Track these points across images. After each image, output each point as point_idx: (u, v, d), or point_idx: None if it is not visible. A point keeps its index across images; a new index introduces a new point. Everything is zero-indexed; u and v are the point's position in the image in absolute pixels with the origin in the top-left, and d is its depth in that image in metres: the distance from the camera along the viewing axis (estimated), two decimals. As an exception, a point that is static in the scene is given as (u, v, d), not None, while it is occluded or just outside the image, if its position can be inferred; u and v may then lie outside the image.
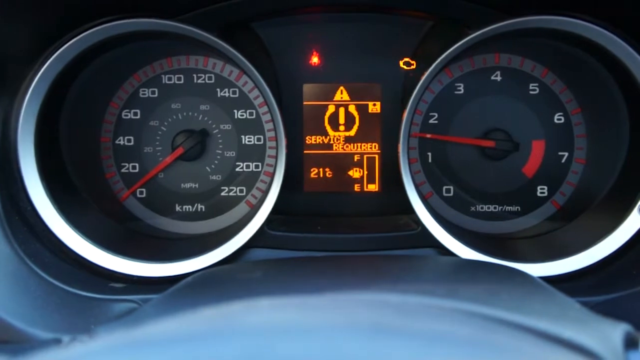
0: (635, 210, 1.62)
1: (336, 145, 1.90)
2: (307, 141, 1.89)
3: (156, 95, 1.90)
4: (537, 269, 1.60)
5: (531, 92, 1.88)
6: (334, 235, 1.71)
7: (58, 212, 1.61)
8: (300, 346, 0.65)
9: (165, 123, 1.90)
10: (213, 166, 1.92)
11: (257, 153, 1.91)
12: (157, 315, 1.06)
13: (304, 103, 1.88)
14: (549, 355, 0.72)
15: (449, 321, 0.76)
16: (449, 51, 1.63)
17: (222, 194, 1.93)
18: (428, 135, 1.88)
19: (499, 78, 1.88)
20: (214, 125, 1.90)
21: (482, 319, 0.82)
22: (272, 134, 1.89)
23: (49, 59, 1.57)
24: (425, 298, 0.89)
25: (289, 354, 0.62)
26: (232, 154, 1.91)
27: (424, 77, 1.67)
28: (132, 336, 0.80)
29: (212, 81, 1.90)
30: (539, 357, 0.69)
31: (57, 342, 1.09)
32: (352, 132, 1.89)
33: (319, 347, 0.64)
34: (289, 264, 1.40)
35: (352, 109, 1.88)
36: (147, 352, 0.71)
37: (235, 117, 1.90)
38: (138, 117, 1.90)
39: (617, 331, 0.90)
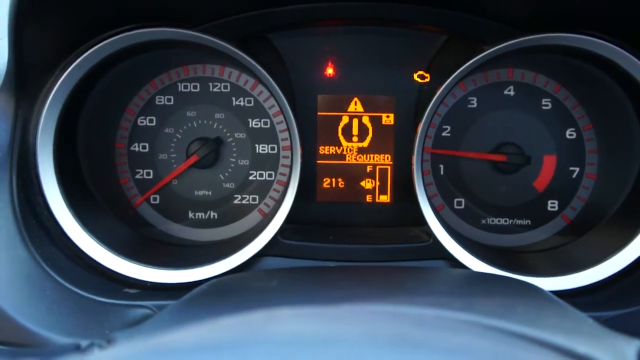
0: (647, 226, 1.63)
1: (349, 156, 1.91)
2: (320, 151, 1.91)
3: (172, 102, 1.91)
4: (548, 283, 1.61)
5: (544, 107, 1.89)
6: (347, 246, 1.72)
7: (74, 216, 1.62)
8: (323, 356, 0.66)
9: (180, 130, 1.92)
10: (227, 174, 1.93)
11: (270, 162, 1.93)
12: (176, 322, 1.07)
13: (318, 113, 1.89)
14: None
15: (468, 334, 0.78)
16: (464, 66, 1.65)
17: (235, 202, 1.95)
18: (441, 152, 1.89)
19: (512, 93, 1.89)
20: (228, 134, 1.92)
21: (500, 332, 0.83)
22: (286, 143, 1.91)
23: (69, 66, 1.59)
24: (442, 311, 0.90)
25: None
26: (246, 162, 1.93)
27: (439, 91, 1.68)
28: (153, 343, 0.81)
29: (228, 90, 1.92)
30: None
31: (76, 347, 1.11)
32: (365, 144, 1.90)
33: (341, 358, 0.65)
34: (303, 273, 1.41)
35: (365, 120, 1.90)
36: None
37: (250, 126, 1.92)
38: (153, 124, 1.92)
39: (631, 347, 0.91)
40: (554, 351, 0.80)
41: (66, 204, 1.62)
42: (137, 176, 1.93)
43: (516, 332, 0.86)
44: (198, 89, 1.91)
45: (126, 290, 1.62)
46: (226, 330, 0.81)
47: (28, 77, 1.54)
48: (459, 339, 0.74)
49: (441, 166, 1.92)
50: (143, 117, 1.92)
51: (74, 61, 1.59)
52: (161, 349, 0.79)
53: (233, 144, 1.92)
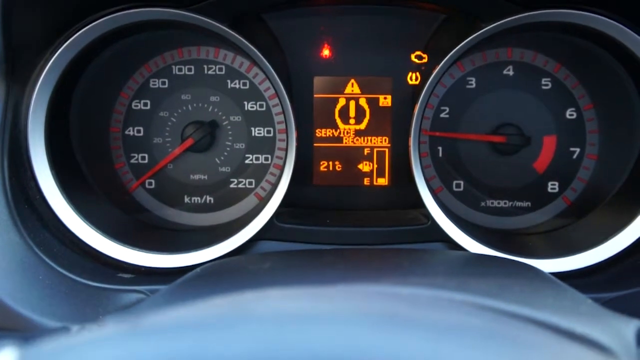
0: (648, 207, 1.61)
1: (346, 139, 1.89)
2: (317, 134, 1.88)
3: (166, 86, 1.89)
4: (548, 265, 1.59)
5: (543, 87, 1.86)
6: (343, 229, 1.71)
7: (67, 201, 1.61)
8: (313, 335, 0.65)
9: (175, 114, 1.89)
10: (222, 158, 1.91)
11: (266, 145, 1.91)
12: (167, 305, 1.06)
13: (315, 96, 1.87)
14: (563, 350, 0.72)
15: (462, 314, 0.76)
16: (461, 45, 1.62)
17: (231, 185, 1.93)
18: (439, 134, 1.87)
19: (511, 72, 1.87)
20: (223, 117, 1.90)
21: (495, 312, 0.81)
22: (282, 126, 1.89)
23: (60, 47, 1.57)
24: (436, 291, 0.88)
25: (301, 343, 0.62)
26: (242, 145, 1.91)
27: (435, 71, 1.66)
28: (141, 324, 0.79)
29: (223, 72, 1.89)
30: (553, 351, 0.69)
31: (65, 330, 1.09)
32: (363, 126, 1.88)
33: (332, 336, 0.63)
34: (298, 256, 1.39)
35: (362, 102, 1.87)
36: (156, 340, 0.70)
37: (246, 108, 1.90)
38: (148, 107, 1.89)
39: (629, 327, 0.89)
40: (551, 331, 0.79)
41: (59, 189, 1.60)
42: (132, 160, 1.91)
43: (513, 312, 0.84)
44: (193, 72, 1.89)
45: (120, 275, 1.61)
46: (215, 310, 0.79)
47: (18, 60, 1.52)
48: (453, 317, 0.73)
49: (440, 148, 1.90)
50: (137, 101, 1.89)
51: (64, 43, 1.57)
52: (150, 330, 0.77)
53: (229, 127, 1.90)
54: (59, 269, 1.50)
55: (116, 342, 0.69)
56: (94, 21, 1.58)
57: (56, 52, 1.57)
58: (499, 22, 1.60)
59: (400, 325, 0.65)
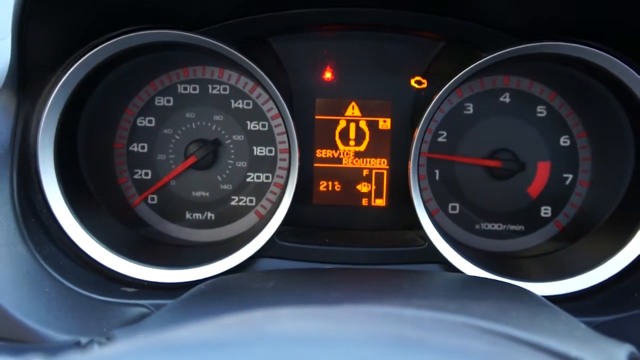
0: (639, 232, 1.66)
1: (346, 160, 1.93)
2: (317, 154, 1.93)
3: (171, 104, 1.93)
4: (541, 288, 1.63)
5: (538, 115, 1.92)
6: (342, 248, 1.74)
7: (73, 215, 1.64)
8: (324, 356, 0.68)
9: (179, 132, 1.93)
10: (224, 175, 1.95)
11: (267, 164, 1.95)
12: (176, 320, 1.09)
13: (316, 117, 1.91)
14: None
15: (464, 336, 0.80)
16: (462, 73, 1.67)
17: (232, 203, 1.97)
18: (437, 156, 1.92)
19: (507, 100, 1.92)
20: (226, 136, 1.94)
21: (495, 335, 0.85)
22: (283, 146, 1.93)
23: (72, 66, 1.61)
24: (438, 313, 0.92)
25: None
26: (244, 164, 1.95)
27: (436, 97, 1.70)
28: (153, 340, 0.83)
29: (227, 92, 1.93)
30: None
31: (76, 344, 1.12)
32: (362, 147, 1.92)
33: (343, 357, 0.67)
34: (300, 274, 1.43)
35: (362, 124, 1.92)
36: (180, 356, 0.73)
37: (248, 128, 1.94)
38: (152, 124, 1.93)
39: (621, 351, 0.93)
40: (547, 354, 0.82)
41: (66, 203, 1.64)
42: (136, 176, 1.95)
43: (510, 335, 0.88)
44: (197, 91, 1.93)
45: (124, 289, 1.64)
46: (227, 329, 0.83)
47: (30, 76, 1.55)
48: (455, 340, 0.76)
49: (437, 171, 1.95)
50: (142, 118, 1.93)
51: (76, 61, 1.61)
52: (161, 346, 0.80)
53: (231, 145, 1.94)
54: (64, 281, 1.53)
55: (131, 357, 0.73)
56: (106, 41, 1.62)
57: (68, 70, 1.61)
58: (497, 53, 1.65)
59: (410, 347, 0.69)
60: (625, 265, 1.65)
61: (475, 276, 1.64)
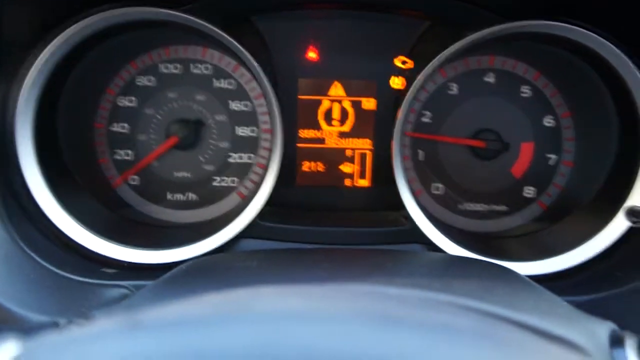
0: (621, 212, 1.66)
1: (329, 140, 1.92)
2: (300, 135, 1.91)
3: (153, 83, 1.90)
4: (524, 268, 1.63)
5: (523, 95, 1.91)
6: (325, 229, 1.74)
7: (53, 196, 1.62)
8: (309, 333, 0.67)
9: (161, 111, 1.91)
10: (207, 156, 1.93)
11: (250, 144, 1.93)
12: (157, 300, 1.08)
13: (299, 97, 1.89)
14: (543, 350, 0.75)
15: (450, 314, 0.79)
16: (445, 52, 1.66)
17: (214, 183, 1.95)
18: (421, 135, 1.91)
19: (492, 80, 1.91)
20: (209, 116, 1.92)
21: (479, 313, 0.84)
22: (266, 126, 1.91)
23: (50, 44, 1.57)
24: (422, 291, 0.92)
25: (298, 341, 0.65)
26: (226, 144, 1.93)
27: (419, 77, 1.69)
28: (134, 319, 0.81)
29: (209, 72, 1.91)
30: (535, 351, 0.72)
31: (54, 324, 1.11)
32: (346, 128, 1.91)
33: (330, 335, 0.66)
34: (283, 254, 1.42)
35: (346, 104, 1.90)
36: (159, 334, 0.72)
37: (231, 108, 1.92)
38: (134, 104, 1.91)
39: (603, 329, 0.93)
40: (532, 332, 0.82)
41: (45, 184, 1.61)
42: (116, 156, 1.93)
43: (494, 313, 0.88)
44: (179, 70, 1.91)
45: (104, 269, 1.62)
46: (210, 307, 0.81)
47: (7, 55, 1.52)
48: (439, 317, 0.76)
49: (420, 151, 1.94)
50: (123, 97, 1.90)
51: (53, 39, 1.58)
52: (143, 325, 0.79)
53: (213, 125, 1.92)
54: (43, 263, 1.51)
55: (118, 336, 0.71)
56: (85, 18, 1.59)
57: (46, 48, 1.57)
58: (483, 32, 1.64)
59: (394, 324, 0.68)
60: (607, 245, 1.66)
61: (458, 255, 1.64)
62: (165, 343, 0.70)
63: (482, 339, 0.71)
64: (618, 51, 1.62)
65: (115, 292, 1.54)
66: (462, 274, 1.20)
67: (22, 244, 1.50)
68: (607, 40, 1.62)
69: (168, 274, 1.28)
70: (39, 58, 1.57)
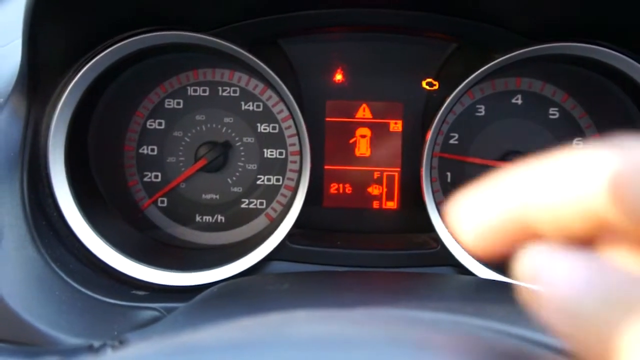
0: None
1: (356, 162, 1.92)
2: (328, 157, 1.91)
3: (181, 106, 1.93)
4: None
5: (551, 117, 1.90)
6: (354, 251, 1.73)
7: (84, 218, 1.63)
8: (342, 359, 0.67)
9: (189, 134, 1.93)
10: (234, 178, 1.94)
11: (278, 167, 1.94)
12: (190, 323, 1.08)
13: (327, 119, 1.90)
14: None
15: (484, 338, 0.79)
16: (474, 74, 1.66)
17: (242, 205, 1.96)
18: (450, 156, 1.91)
19: (519, 101, 1.91)
20: (237, 138, 1.93)
21: (514, 337, 0.84)
22: (294, 148, 1.92)
23: (82, 68, 1.60)
24: (455, 316, 0.91)
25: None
26: (254, 166, 1.94)
27: (449, 99, 1.69)
28: (168, 343, 0.82)
29: (237, 94, 1.93)
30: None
31: (89, 347, 1.12)
32: (374, 150, 1.91)
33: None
34: (314, 277, 1.42)
35: (374, 127, 1.91)
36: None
37: (258, 130, 1.93)
38: (162, 127, 1.93)
39: None
40: (567, 357, 0.81)
41: (76, 206, 1.63)
42: (145, 179, 1.94)
43: (529, 338, 0.87)
44: (207, 93, 1.92)
45: (134, 292, 1.63)
46: (243, 330, 0.82)
47: (41, 78, 1.55)
48: (473, 342, 0.75)
49: (448, 173, 1.93)
50: (152, 120, 1.93)
51: (87, 63, 1.60)
52: (176, 349, 0.79)
53: (241, 148, 1.93)
54: (74, 284, 1.52)
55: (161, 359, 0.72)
56: (117, 42, 1.62)
57: (79, 71, 1.60)
58: (511, 54, 1.64)
59: (429, 349, 0.68)
60: None
61: (490, 279, 1.63)
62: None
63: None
64: (648, 72, 1.62)
65: (146, 315, 1.55)
66: (495, 298, 1.19)
67: (53, 265, 1.51)
68: (636, 61, 1.61)
69: (199, 297, 1.29)
70: (72, 83, 1.59)
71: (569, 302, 0.50)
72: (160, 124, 1.93)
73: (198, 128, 1.93)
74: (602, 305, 0.48)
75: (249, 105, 1.93)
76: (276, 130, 1.93)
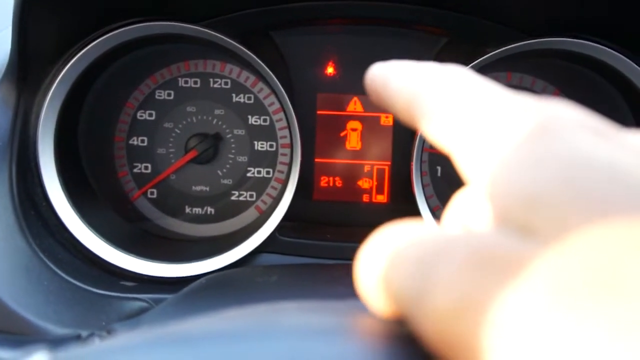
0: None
1: (347, 156, 1.92)
2: (318, 150, 1.91)
3: (172, 97, 1.92)
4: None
5: (541, 112, 1.90)
6: (344, 244, 1.73)
7: (73, 208, 1.62)
8: (334, 350, 0.67)
9: (180, 125, 1.92)
10: (225, 170, 1.94)
11: (268, 159, 1.94)
12: (178, 314, 1.08)
13: (318, 112, 1.90)
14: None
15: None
16: (466, 68, 1.66)
17: (232, 198, 1.95)
18: (438, 151, 1.91)
19: (510, 96, 1.90)
20: (227, 130, 1.92)
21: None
22: (284, 140, 1.92)
23: (72, 57, 1.59)
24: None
25: (329, 357, 0.64)
26: (244, 159, 1.94)
27: (440, 93, 1.69)
28: (156, 333, 0.81)
29: (228, 86, 1.92)
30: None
31: (76, 337, 1.11)
32: (364, 143, 1.91)
33: (355, 351, 0.66)
34: (303, 269, 1.42)
35: (365, 120, 1.91)
36: (176, 351, 0.72)
37: (249, 122, 1.93)
38: (153, 118, 1.92)
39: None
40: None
41: (65, 196, 1.62)
42: (135, 170, 1.94)
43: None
44: (198, 85, 1.92)
45: (123, 282, 1.63)
46: (232, 321, 0.81)
47: (30, 67, 1.54)
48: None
49: (438, 167, 1.94)
50: (143, 111, 1.92)
51: (77, 53, 1.59)
52: (165, 339, 0.79)
53: (232, 140, 1.93)
54: (63, 275, 1.52)
55: (143, 350, 0.71)
56: (107, 33, 1.61)
57: (69, 61, 1.59)
58: (502, 49, 1.64)
59: (417, 341, 0.67)
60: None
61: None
62: (190, 358, 0.70)
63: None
64: (638, 68, 1.62)
65: (134, 305, 1.54)
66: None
67: (41, 255, 1.50)
68: (629, 58, 1.62)
69: (188, 288, 1.29)
70: (62, 72, 1.59)
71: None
72: (150, 115, 1.92)
73: (189, 119, 1.92)
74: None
75: (240, 98, 1.92)
76: (267, 123, 1.93)
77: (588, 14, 1.62)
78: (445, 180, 1.94)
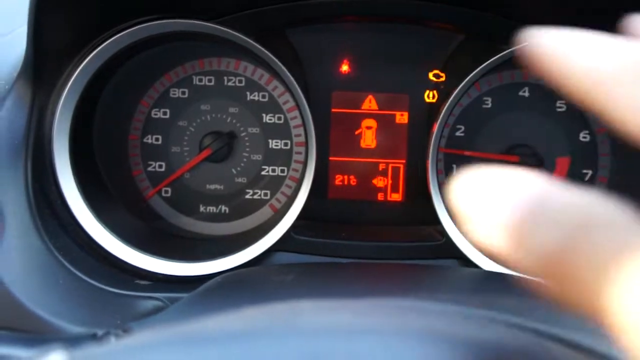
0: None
1: (362, 154, 1.91)
2: (333, 148, 1.91)
3: (186, 95, 1.91)
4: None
5: (558, 109, 1.89)
6: (359, 243, 1.72)
7: (88, 207, 1.62)
8: (353, 348, 0.66)
9: (194, 124, 1.91)
10: (239, 168, 1.93)
11: (283, 157, 1.93)
12: (194, 313, 1.08)
13: (332, 110, 1.89)
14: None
15: (494, 331, 0.78)
16: (482, 66, 1.65)
17: (247, 196, 1.95)
18: (455, 151, 1.89)
19: (527, 94, 1.89)
20: (242, 128, 1.92)
21: (524, 330, 0.83)
22: (299, 139, 1.91)
23: (88, 55, 1.59)
24: (464, 307, 0.90)
25: (342, 357, 0.64)
26: (259, 157, 1.93)
27: (456, 91, 1.68)
28: (172, 332, 0.81)
29: (242, 84, 1.91)
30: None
31: (92, 335, 1.11)
32: (379, 142, 1.90)
33: (373, 349, 0.65)
34: (319, 268, 1.41)
35: (379, 118, 1.90)
36: (194, 350, 0.72)
37: (264, 120, 1.92)
38: (167, 116, 1.92)
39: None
40: (577, 350, 0.81)
41: (80, 194, 1.62)
42: (150, 168, 1.93)
43: (536, 329, 0.86)
44: (213, 83, 1.91)
45: (138, 281, 1.62)
46: (249, 320, 0.81)
47: (46, 65, 1.54)
48: (486, 334, 0.75)
49: (454, 166, 1.92)
50: (157, 110, 1.92)
51: (92, 51, 1.59)
52: (181, 338, 0.78)
53: (246, 138, 1.92)
54: (78, 273, 1.52)
55: (161, 349, 0.71)
56: (123, 30, 1.61)
57: (85, 59, 1.59)
58: (520, 46, 1.62)
59: (439, 339, 0.67)
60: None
61: (494, 271, 1.62)
62: (207, 357, 0.69)
63: (525, 356, 0.70)
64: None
65: (149, 304, 1.54)
66: (501, 290, 1.18)
67: (57, 254, 1.50)
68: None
69: (203, 287, 1.28)
70: (77, 70, 1.58)
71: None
72: (165, 113, 1.92)
73: (203, 118, 1.91)
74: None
75: (254, 95, 1.92)
76: (281, 121, 1.92)
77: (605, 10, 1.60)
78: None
